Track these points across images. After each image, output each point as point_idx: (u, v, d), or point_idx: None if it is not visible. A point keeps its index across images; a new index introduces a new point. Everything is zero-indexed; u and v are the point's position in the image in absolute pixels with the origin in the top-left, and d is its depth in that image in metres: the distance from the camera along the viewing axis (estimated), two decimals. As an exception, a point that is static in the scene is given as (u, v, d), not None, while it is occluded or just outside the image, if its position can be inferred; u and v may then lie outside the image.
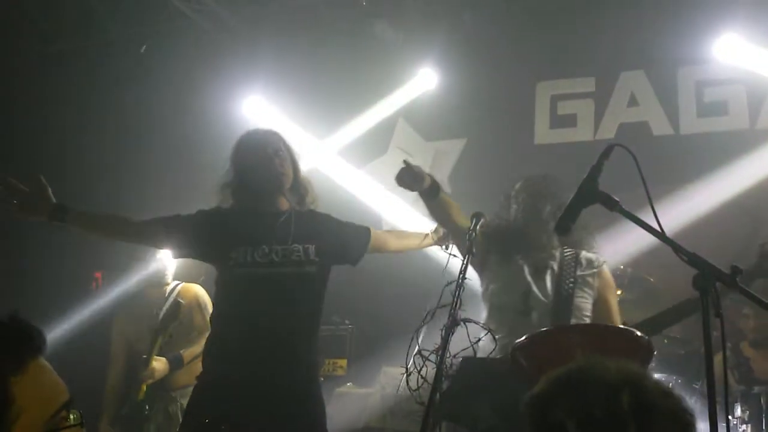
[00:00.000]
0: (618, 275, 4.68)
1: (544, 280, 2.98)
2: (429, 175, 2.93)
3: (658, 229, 2.06)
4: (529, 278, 2.97)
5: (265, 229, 3.03)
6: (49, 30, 6.33)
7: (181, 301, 3.75)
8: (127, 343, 4.16)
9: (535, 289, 2.95)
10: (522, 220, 2.95)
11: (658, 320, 2.97)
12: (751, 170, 4.99)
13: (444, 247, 3.11)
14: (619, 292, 4.61)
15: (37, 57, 6.42)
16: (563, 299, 2.91)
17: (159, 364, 3.88)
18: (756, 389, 4.14)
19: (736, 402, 4.10)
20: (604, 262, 3.10)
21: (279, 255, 3.00)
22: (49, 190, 2.96)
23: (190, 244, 3.13)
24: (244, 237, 3.02)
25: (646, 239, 2.12)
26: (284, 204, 3.12)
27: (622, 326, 2.48)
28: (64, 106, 6.41)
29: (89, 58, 6.39)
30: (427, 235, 3.38)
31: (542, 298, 2.93)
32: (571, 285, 2.94)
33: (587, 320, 2.94)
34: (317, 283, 3.08)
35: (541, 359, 2.22)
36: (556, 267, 3.02)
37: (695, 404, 4.04)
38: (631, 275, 4.66)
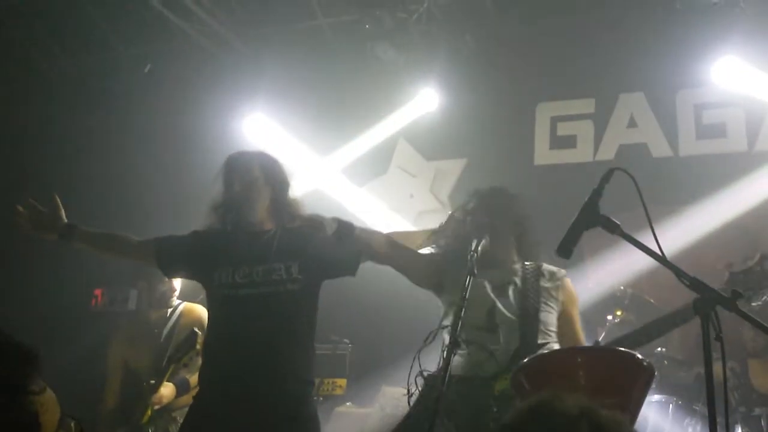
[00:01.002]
0: (618, 296, 4.71)
1: (507, 296, 2.93)
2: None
3: (659, 252, 2.07)
4: (492, 295, 2.92)
5: (246, 249, 3.02)
6: (53, 48, 6.38)
7: (197, 331, 3.73)
8: (124, 363, 4.15)
9: (499, 305, 2.90)
10: (480, 238, 2.87)
11: (649, 329, 2.97)
12: (749, 192, 5.03)
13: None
14: (618, 313, 4.63)
15: (42, 75, 6.46)
16: (530, 314, 2.86)
17: (167, 390, 3.85)
18: (757, 411, 4.14)
19: (737, 424, 4.10)
20: (566, 274, 3.06)
21: (260, 275, 2.98)
22: (63, 210, 3.05)
23: (181, 264, 3.16)
24: (227, 257, 3.02)
25: (647, 260, 2.13)
26: (268, 224, 3.10)
27: (624, 350, 2.47)
28: (69, 124, 6.44)
29: (93, 77, 6.43)
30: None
31: (508, 314, 2.87)
32: (536, 299, 2.91)
33: (553, 334, 2.91)
34: (302, 300, 3.03)
35: (544, 381, 2.22)
36: (518, 281, 2.97)
37: (696, 425, 4.04)
38: (631, 296, 4.67)
